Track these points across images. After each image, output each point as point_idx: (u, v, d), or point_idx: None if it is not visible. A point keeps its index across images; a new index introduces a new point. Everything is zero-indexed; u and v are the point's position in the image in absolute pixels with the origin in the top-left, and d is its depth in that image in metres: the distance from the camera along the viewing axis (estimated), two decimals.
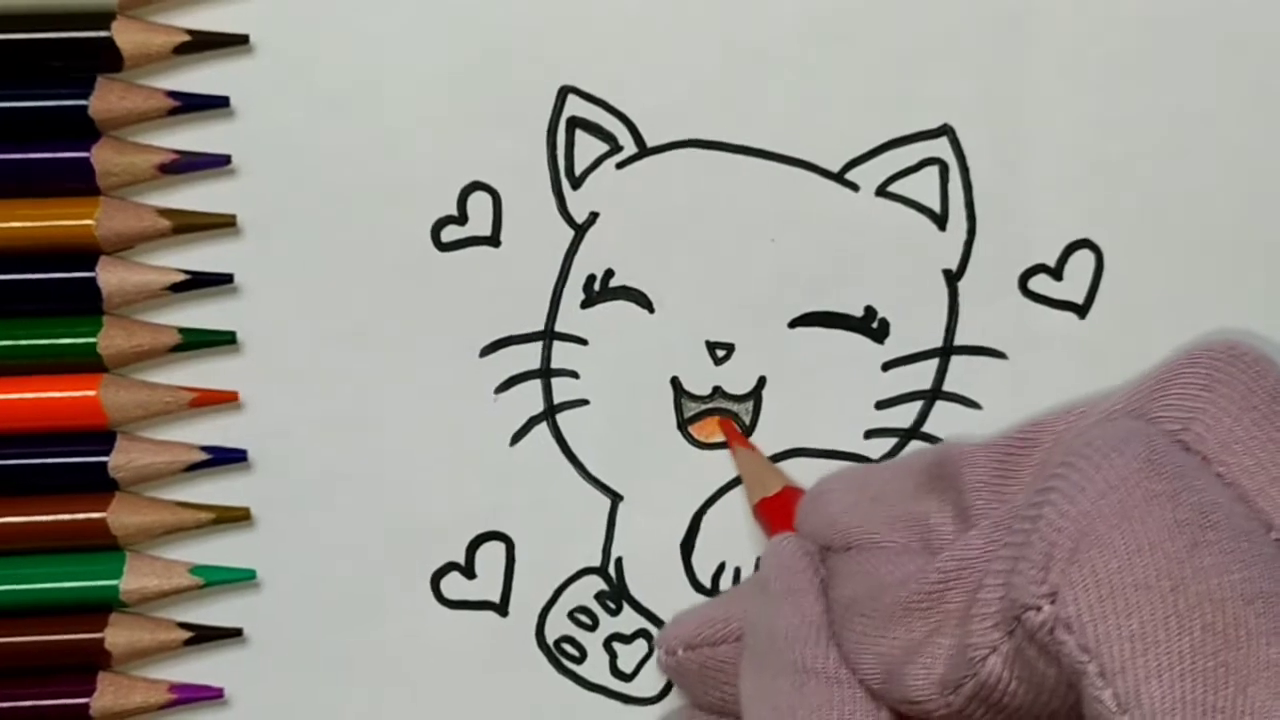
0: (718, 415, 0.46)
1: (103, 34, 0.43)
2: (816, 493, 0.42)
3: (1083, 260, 0.45)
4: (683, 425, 0.46)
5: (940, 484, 0.39)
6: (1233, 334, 0.36)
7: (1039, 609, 0.31)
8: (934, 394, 0.46)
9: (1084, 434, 0.34)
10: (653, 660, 0.47)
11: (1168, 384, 0.35)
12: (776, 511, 0.44)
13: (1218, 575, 0.30)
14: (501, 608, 0.47)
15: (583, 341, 0.45)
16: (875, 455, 0.46)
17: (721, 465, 0.46)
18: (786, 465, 0.46)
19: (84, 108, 0.44)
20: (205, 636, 0.47)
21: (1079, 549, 0.31)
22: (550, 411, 0.46)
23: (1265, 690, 0.29)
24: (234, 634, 0.46)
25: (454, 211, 0.45)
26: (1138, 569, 0.30)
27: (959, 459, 0.39)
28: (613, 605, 0.46)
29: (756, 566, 0.47)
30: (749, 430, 0.46)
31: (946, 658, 0.34)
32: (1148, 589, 0.30)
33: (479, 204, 0.45)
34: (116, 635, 0.46)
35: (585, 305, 0.45)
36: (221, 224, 0.45)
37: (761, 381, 0.45)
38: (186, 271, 0.45)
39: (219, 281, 0.45)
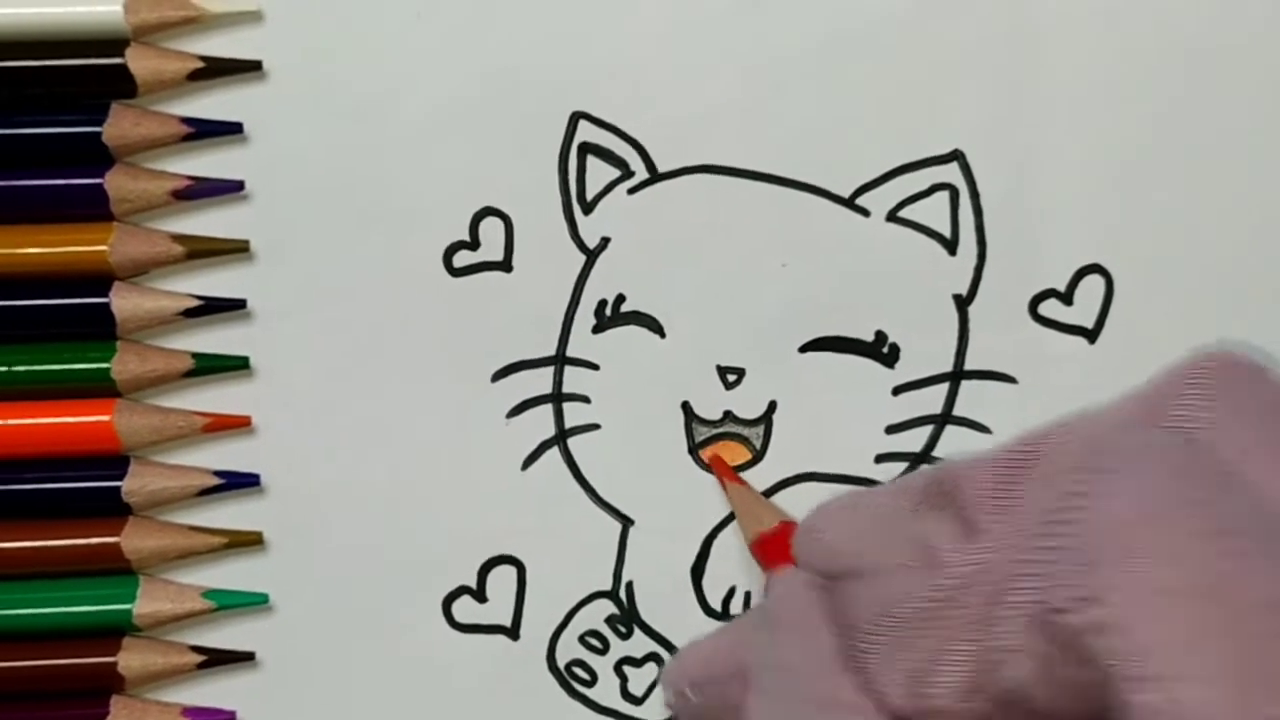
0: (728, 440, 0.46)
1: (117, 61, 0.45)
2: (811, 523, 0.43)
3: (1093, 285, 0.46)
4: (694, 450, 0.46)
5: (939, 501, 0.39)
6: (1228, 345, 0.37)
7: (1078, 612, 0.31)
8: (944, 419, 0.46)
9: (1106, 441, 0.34)
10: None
11: (1175, 396, 0.35)
12: (775, 548, 0.44)
13: (1260, 575, 0.30)
14: (513, 631, 0.47)
15: (594, 366, 0.46)
16: (886, 480, 0.46)
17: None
18: (797, 490, 0.47)
19: (98, 134, 0.45)
20: (218, 660, 0.47)
21: (1121, 553, 0.31)
22: (562, 436, 0.46)
23: None
24: (246, 658, 0.47)
25: (466, 237, 0.46)
26: (1180, 574, 0.30)
27: (957, 475, 0.39)
28: (624, 629, 0.47)
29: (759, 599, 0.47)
30: (760, 455, 0.46)
31: (971, 663, 0.35)
32: (1191, 595, 0.30)
33: (491, 229, 0.46)
34: (130, 659, 0.46)
35: (597, 330, 0.46)
36: (235, 249, 0.45)
37: (772, 406, 0.46)
38: (200, 297, 0.45)
39: (232, 307, 0.46)
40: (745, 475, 0.47)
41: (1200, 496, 0.32)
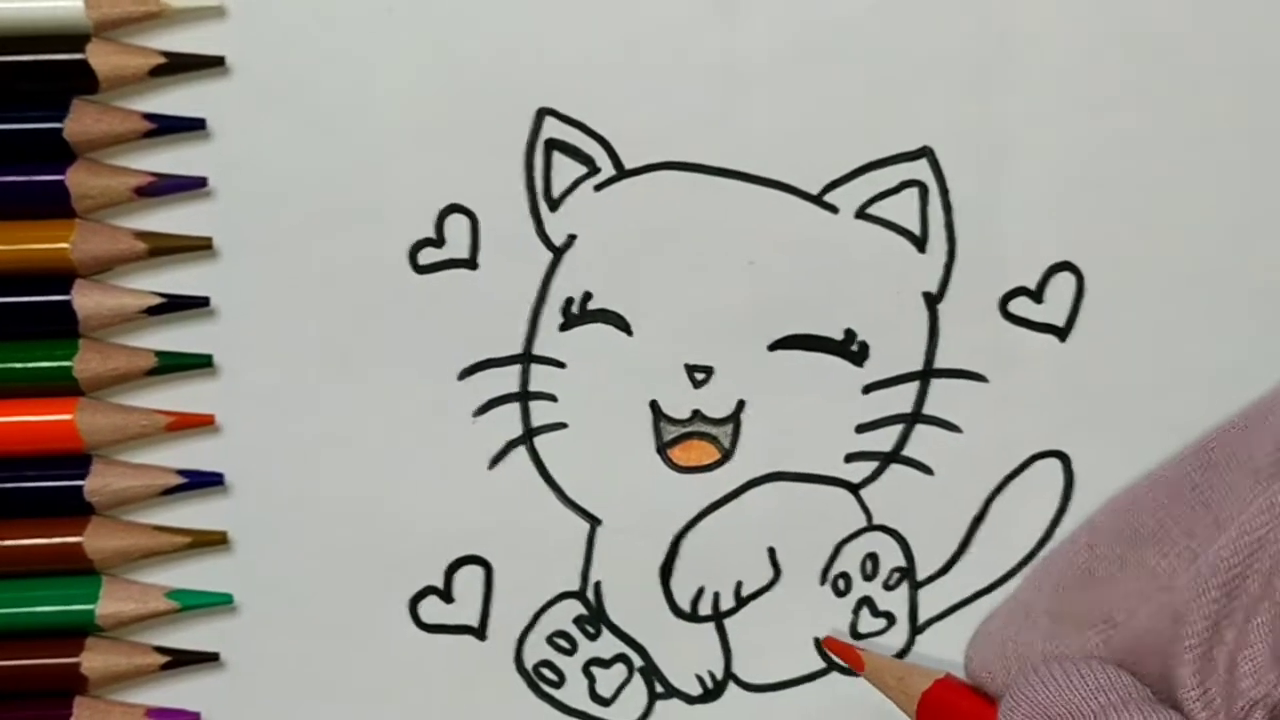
0: (696, 439, 0.46)
1: (78, 56, 0.44)
2: (1022, 699, 0.41)
3: (1064, 283, 0.46)
4: (662, 449, 0.46)
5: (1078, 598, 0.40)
6: None
7: None
8: (914, 417, 0.46)
9: None
10: (632, 685, 0.48)
11: None
12: (938, 705, 0.45)
13: None
14: (479, 632, 0.47)
15: (561, 364, 0.46)
16: (856, 479, 0.46)
17: (700, 488, 0.47)
18: (766, 490, 0.47)
19: (59, 130, 0.45)
20: (182, 661, 0.47)
21: None
22: (528, 435, 0.46)
23: None
24: (210, 659, 0.47)
25: (431, 234, 0.46)
26: None
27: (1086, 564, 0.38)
28: (591, 629, 0.47)
29: (737, 594, 0.46)
30: (728, 454, 0.46)
31: (1270, 632, 0.33)
32: None
33: (456, 226, 0.46)
34: (93, 660, 0.46)
35: (563, 328, 0.46)
36: (198, 246, 0.45)
37: (741, 405, 0.46)
38: (163, 294, 0.45)
39: (195, 305, 0.45)
40: (713, 475, 0.47)
41: None
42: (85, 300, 0.45)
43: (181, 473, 0.47)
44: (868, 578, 0.47)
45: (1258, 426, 0.37)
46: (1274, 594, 0.33)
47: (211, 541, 0.47)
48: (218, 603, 0.47)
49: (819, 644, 0.47)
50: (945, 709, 0.44)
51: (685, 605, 0.47)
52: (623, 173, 0.46)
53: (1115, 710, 0.37)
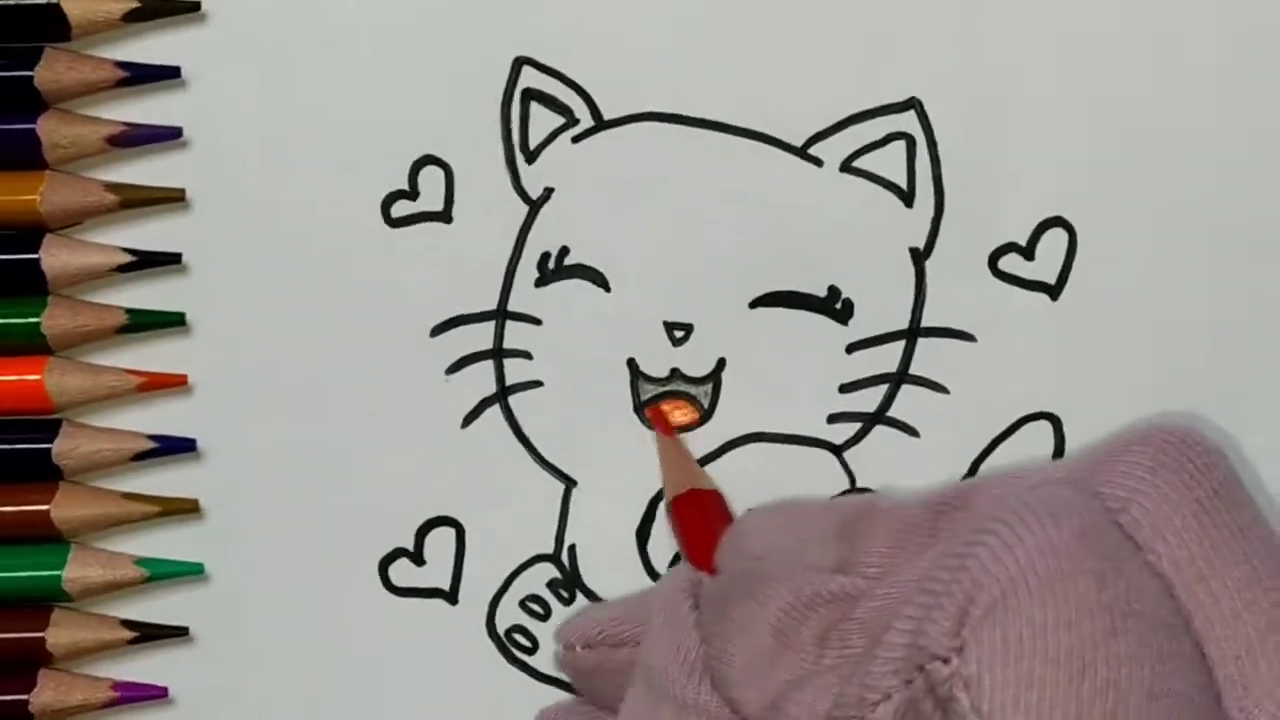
0: (676, 399, 0.45)
1: (50, 1, 0.43)
2: (742, 529, 0.42)
3: (1055, 239, 0.45)
4: (639, 408, 0.46)
5: (856, 530, 0.39)
6: (1186, 419, 0.38)
7: (947, 660, 0.31)
8: (900, 377, 0.45)
9: (1023, 495, 0.34)
10: None
11: (1115, 459, 0.35)
12: (686, 513, 0.44)
13: (1128, 665, 0.30)
14: (451, 596, 0.47)
15: (536, 321, 0.45)
16: (839, 440, 0.45)
17: None
18: (746, 450, 0.46)
19: (30, 78, 0.44)
20: (150, 636, 0.47)
21: (996, 608, 0.31)
22: (503, 393, 0.46)
23: None
24: (179, 633, 0.47)
25: (405, 186, 0.45)
26: (1050, 642, 0.30)
27: (880, 511, 0.39)
28: (566, 594, 0.46)
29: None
30: (708, 413, 0.45)
31: (834, 695, 0.34)
32: (1056, 664, 0.30)
33: (430, 178, 0.45)
34: (58, 635, 0.46)
35: (539, 284, 0.45)
36: (170, 198, 0.45)
37: (721, 363, 0.45)
38: (134, 252, 0.45)
39: (167, 261, 0.45)
40: (692, 435, 0.46)
41: (1093, 568, 0.31)
42: (53, 261, 0.45)
43: (153, 437, 0.46)
44: None
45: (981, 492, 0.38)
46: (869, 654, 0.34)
47: (182, 510, 0.46)
48: (188, 572, 0.47)
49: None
50: (692, 515, 0.43)
51: (662, 569, 0.47)
52: (602, 124, 0.45)
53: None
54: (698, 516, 0.44)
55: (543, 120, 0.45)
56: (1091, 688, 0.30)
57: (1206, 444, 0.35)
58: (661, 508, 0.46)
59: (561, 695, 0.47)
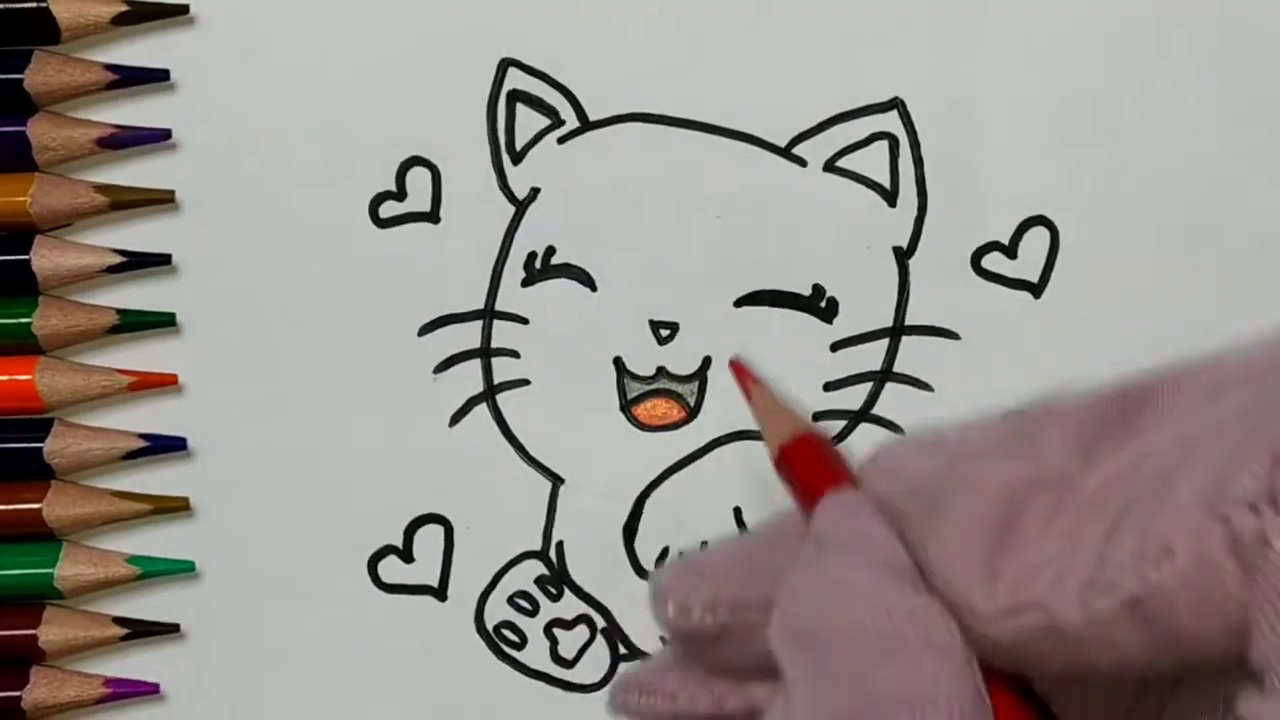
0: (661, 396, 0.45)
1: (39, 5, 0.44)
2: (888, 458, 0.38)
3: (1037, 238, 0.46)
4: (626, 406, 0.46)
5: (1020, 446, 0.35)
6: None
7: (1258, 510, 0.27)
8: (884, 375, 0.46)
9: None
10: (594, 647, 0.47)
11: None
12: (799, 462, 0.41)
13: None
14: (440, 592, 0.47)
15: (523, 320, 0.46)
16: None
17: (665, 447, 0.47)
18: (732, 449, 0.46)
19: (19, 81, 0.45)
20: (141, 633, 0.47)
21: None
22: (490, 392, 0.46)
23: None
24: (171, 629, 0.47)
25: (393, 187, 0.45)
26: None
27: (1044, 418, 0.35)
28: (553, 590, 0.47)
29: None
30: (694, 412, 0.46)
31: (1091, 560, 0.31)
32: None
33: (418, 179, 0.45)
34: (50, 632, 0.47)
35: (526, 283, 0.46)
36: (160, 200, 0.46)
37: (706, 362, 0.46)
38: (124, 253, 0.45)
39: (157, 262, 0.45)
40: (678, 433, 0.46)
41: None
42: (44, 262, 0.45)
43: (144, 436, 0.47)
44: None
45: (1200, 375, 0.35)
46: (1137, 513, 0.30)
47: (173, 508, 0.47)
48: (179, 570, 0.47)
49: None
50: (804, 464, 0.40)
51: (649, 566, 0.47)
52: (587, 125, 0.46)
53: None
54: (813, 463, 0.40)
55: (529, 122, 0.46)
56: None
57: None
58: (651, 504, 0.46)
59: (550, 690, 0.47)
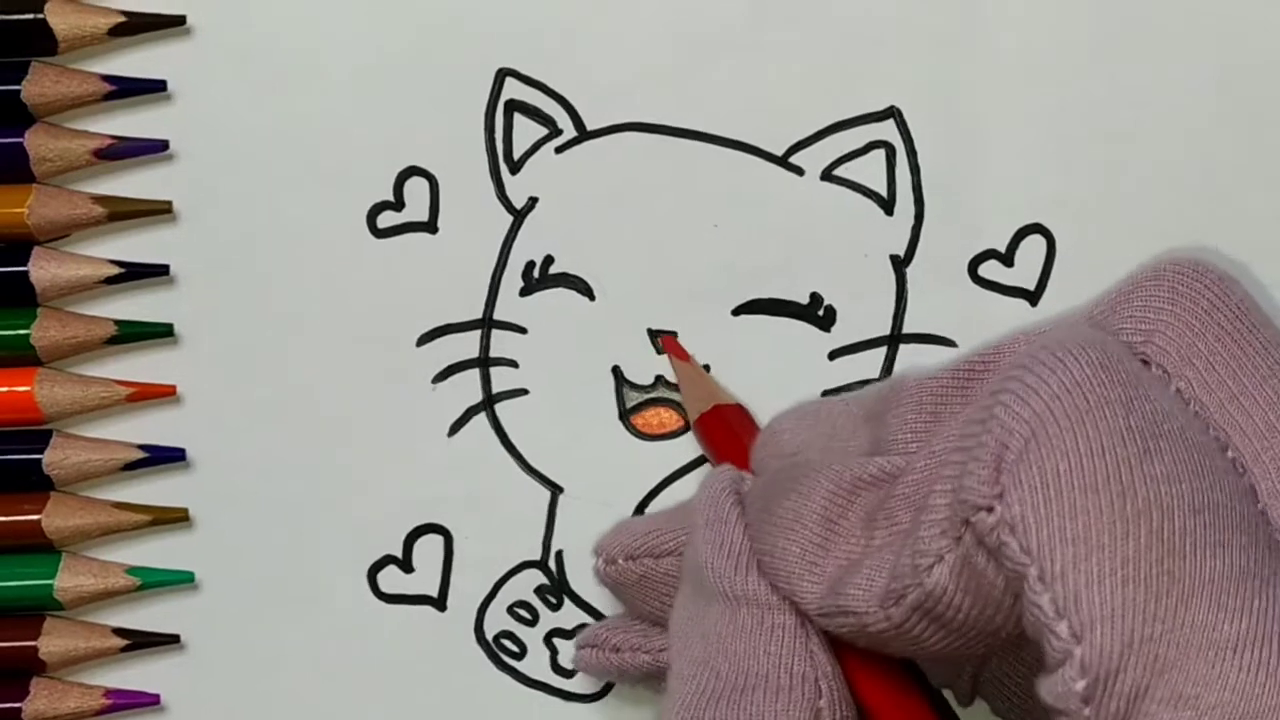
0: (660, 405, 0.45)
1: (36, 16, 0.44)
2: (772, 430, 0.42)
3: (1034, 246, 0.46)
4: (624, 415, 0.46)
5: (887, 407, 0.39)
6: (1198, 251, 0.37)
7: (990, 509, 0.31)
8: None
9: (1041, 339, 0.34)
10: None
11: (1130, 296, 0.36)
12: (713, 430, 0.44)
13: (1167, 483, 0.30)
14: (439, 602, 0.47)
15: (522, 330, 0.46)
16: None
17: (665, 456, 0.47)
18: None
19: (17, 93, 0.45)
20: (141, 644, 0.47)
21: (1028, 449, 0.31)
22: (489, 401, 0.46)
23: (1207, 602, 0.29)
24: (171, 640, 0.47)
25: (390, 197, 0.45)
26: (1086, 472, 0.30)
27: (908, 384, 0.39)
28: (553, 600, 0.47)
29: None
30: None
31: (889, 570, 0.34)
32: (1095, 493, 0.30)
33: (416, 189, 0.46)
34: (50, 643, 0.47)
35: (524, 293, 0.46)
36: (158, 210, 0.46)
37: (705, 370, 0.45)
38: (121, 264, 0.45)
39: (155, 273, 0.45)
40: (677, 442, 0.46)
41: (1118, 395, 0.31)
42: (42, 273, 0.45)
43: (143, 447, 0.47)
44: None
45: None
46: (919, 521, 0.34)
47: (173, 519, 0.47)
48: (179, 581, 0.47)
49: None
50: (717, 433, 0.44)
51: None
52: (585, 134, 0.46)
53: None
54: (725, 430, 0.44)
55: (526, 131, 0.46)
56: (1134, 508, 0.30)
57: (1218, 270, 0.35)
58: (651, 511, 0.47)
59: (550, 700, 0.48)
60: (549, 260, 0.46)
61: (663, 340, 0.46)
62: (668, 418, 0.47)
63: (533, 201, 0.46)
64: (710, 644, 0.38)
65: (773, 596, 0.37)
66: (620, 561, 0.43)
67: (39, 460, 0.46)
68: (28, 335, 0.46)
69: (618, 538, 0.44)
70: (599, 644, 0.45)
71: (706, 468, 0.47)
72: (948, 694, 0.41)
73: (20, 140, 0.45)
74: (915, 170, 0.46)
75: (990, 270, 0.46)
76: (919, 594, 0.33)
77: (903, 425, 0.38)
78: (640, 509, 0.47)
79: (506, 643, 0.47)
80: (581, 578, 0.47)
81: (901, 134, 0.45)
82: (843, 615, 0.35)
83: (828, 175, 0.46)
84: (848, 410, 0.41)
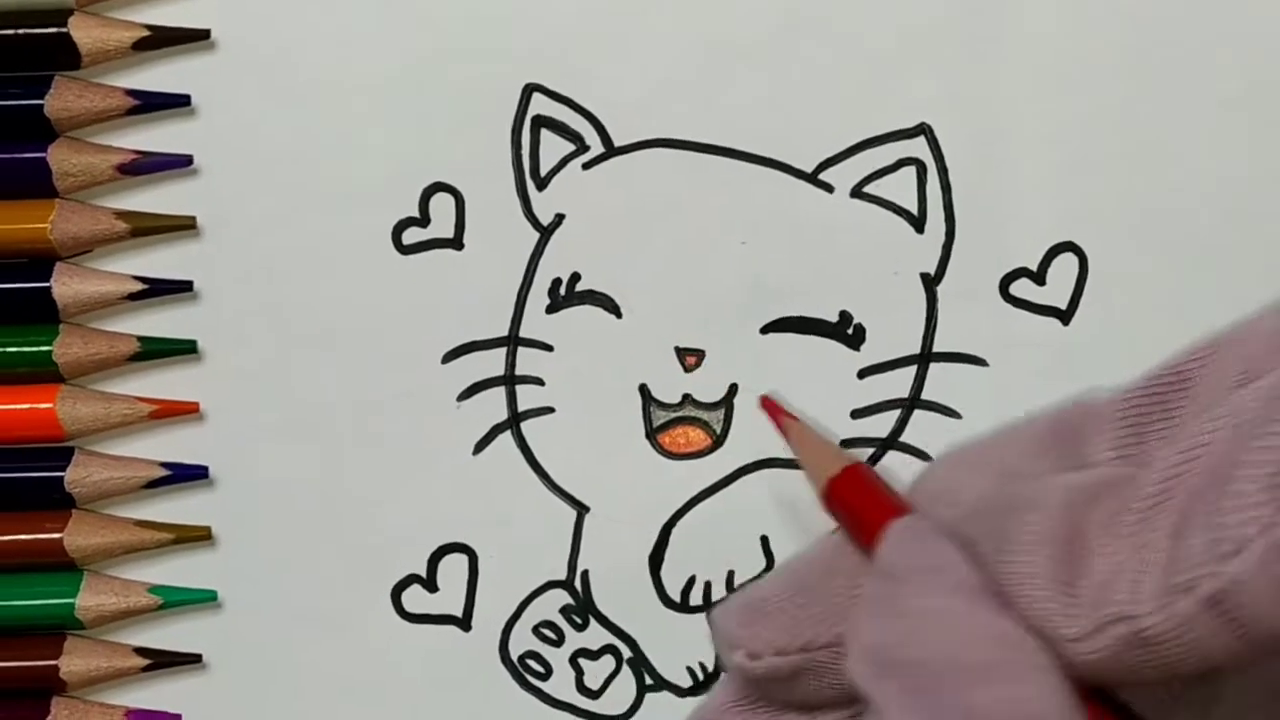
0: (687, 424, 0.45)
1: (59, 30, 0.44)
2: (934, 480, 0.37)
3: (1066, 264, 0.46)
4: (651, 434, 0.46)
5: (1075, 439, 0.35)
6: None
7: None
8: (912, 403, 0.46)
9: None
10: (620, 677, 0.47)
11: None
12: (845, 493, 0.40)
13: None
14: (464, 622, 0.47)
15: (548, 347, 0.45)
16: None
17: (691, 475, 0.47)
18: (760, 476, 0.46)
19: (40, 107, 0.45)
20: (163, 663, 0.47)
21: None
22: (514, 419, 0.46)
23: None
24: (193, 660, 0.47)
25: (416, 213, 0.45)
26: None
27: (1080, 421, 0.36)
28: (579, 620, 0.46)
29: (729, 584, 0.45)
30: (720, 440, 0.46)
31: (1162, 566, 0.30)
32: None
33: (441, 205, 0.45)
34: (72, 662, 0.47)
35: (551, 310, 0.45)
36: (181, 226, 0.46)
37: (733, 389, 0.45)
38: (145, 279, 0.45)
39: (178, 289, 0.45)
40: (705, 461, 0.46)
41: None
42: (64, 289, 0.46)
43: (165, 465, 0.47)
44: None
45: (1226, 350, 0.35)
46: (1200, 508, 0.30)
47: (196, 537, 0.47)
48: (201, 599, 0.47)
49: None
50: (854, 496, 0.39)
51: (676, 595, 0.47)
52: (612, 150, 0.46)
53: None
54: (863, 491, 0.40)
55: (553, 147, 0.46)
56: None
57: None
58: (677, 533, 0.47)
59: None
60: (575, 277, 0.46)
61: (762, 401, 0.44)
62: (695, 437, 0.46)
63: (559, 218, 0.46)
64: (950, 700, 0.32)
65: (1028, 633, 0.32)
66: (766, 659, 0.37)
67: (61, 478, 0.46)
68: (50, 352, 0.45)
69: (757, 628, 0.37)
70: None
71: (742, 483, 0.47)
72: None
73: (43, 155, 0.45)
74: (946, 187, 0.45)
75: (1022, 289, 0.46)
76: (1216, 581, 0.29)
77: (1105, 445, 0.35)
78: (667, 529, 0.47)
79: (532, 663, 0.47)
80: (607, 598, 0.47)
81: (932, 151, 0.45)
82: (1114, 624, 0.30)
83: (858, 192, 0.45)
84: (1020, 444, 0.37)
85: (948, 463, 0.38)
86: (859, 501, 0.38)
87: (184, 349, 0.46)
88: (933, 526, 0.35)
